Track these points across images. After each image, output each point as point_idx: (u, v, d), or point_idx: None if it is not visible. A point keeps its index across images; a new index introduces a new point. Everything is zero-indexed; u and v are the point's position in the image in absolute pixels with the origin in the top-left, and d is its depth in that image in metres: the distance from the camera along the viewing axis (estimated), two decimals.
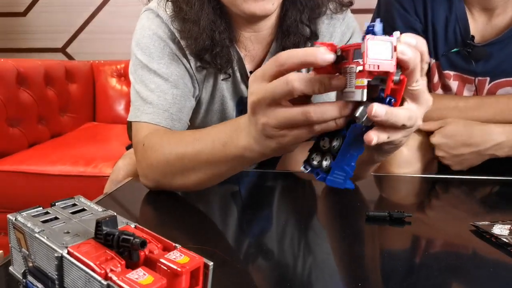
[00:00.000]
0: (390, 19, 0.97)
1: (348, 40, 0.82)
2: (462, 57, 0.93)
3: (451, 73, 0.96)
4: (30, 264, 0.38)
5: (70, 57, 2.58)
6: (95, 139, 1.90)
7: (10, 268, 0.40)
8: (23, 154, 1.64)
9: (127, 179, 0.84)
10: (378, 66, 0.37)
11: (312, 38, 0.79)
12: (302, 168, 0.47)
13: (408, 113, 0.42)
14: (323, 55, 0.40)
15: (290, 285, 0.45)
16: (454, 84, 0.96)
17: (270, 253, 0.52)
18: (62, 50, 2.58)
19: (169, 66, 0.76)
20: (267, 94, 0.44)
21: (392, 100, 0.40)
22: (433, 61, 0.98)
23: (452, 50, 0.93)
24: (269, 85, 0.44)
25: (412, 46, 0.39)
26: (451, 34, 0.93)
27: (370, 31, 0.39)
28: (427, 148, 0.95)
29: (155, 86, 0.75)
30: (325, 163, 0.45)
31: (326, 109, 0.41)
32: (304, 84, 0.41)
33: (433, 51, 0.96)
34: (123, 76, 2.35)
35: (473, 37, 0.91)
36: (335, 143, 0.44)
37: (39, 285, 0.37)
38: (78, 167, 1.52)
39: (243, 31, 0.79)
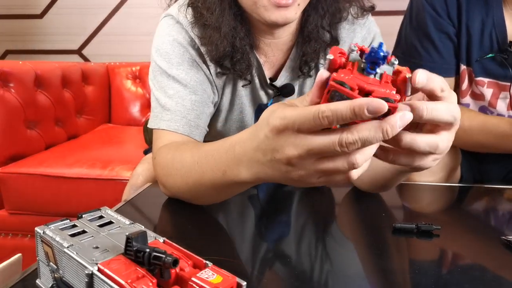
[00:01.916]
0: (421, 22, 0.95)
1: (369, 45, 0.80)
2: (497, 63, 0.90)
3: (485, 80, 0.93)
4: (58, 278, 0.37)
5: (86, 58, 2.60)
6: (111, 141, 1.91)
7: (37, 281, 0.40)
8: (41, 156, 1.65)
9: (146, 185, 0.84)
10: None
11: (332, 44, 0.78)
12: None
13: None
14: (375, 108, 0.35)
15: None
16: (488, 92, 0.93)
17: (292, 266, 0.51)
18: (78, 52, 2.60)
19: (188, 72, 0.75)
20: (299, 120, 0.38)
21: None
22: (464, 66, 0.95)
23: (487, 56, 0.90)
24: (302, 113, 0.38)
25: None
26: (486, 39, 0.90)
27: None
28: (451, 157, 0.93)
29: (174, 92, 0.74)
30: None
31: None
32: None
33: (466, 57, 0.94)
34: (139, 78, 2.36)
35: (510, 42, 0.88)
36: None
37: None
38: (95, 170, 1.52)
39: (263, 38, 0.78)
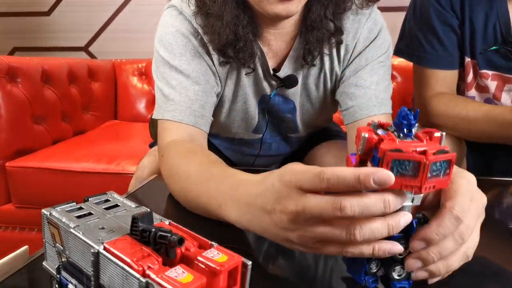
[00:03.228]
0: (425, 14, 0.94)
1: (375, 37, 0.80)
2: (501, 56, 0.90)
3: (489, 72, 0.93)
4: (64, 260, 0.37)
5: (92, 56, 2.61)
6: (117, 137, 1.92)
7: (44, 263, 0.40)
8: (48, 151, 1.67)
9: (151, 177, 0.84)
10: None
11: (336, 34, 0.77)
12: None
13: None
14: (381, 179, 0.34)
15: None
16: (492, 84, 0.93)
17: (297, 255, 0.51)
18: (85, 49, 2.62)
19: (190, 63, 0.75)
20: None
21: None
22: (468, 59, 0.95)
23: (491, 48, 0.90)
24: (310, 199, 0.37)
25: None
26: (490, 32, 0.90)
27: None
28: (455, 149, 0.92)
29: (177, 83, 0.75)
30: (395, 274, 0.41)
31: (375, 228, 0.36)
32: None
33: (469, 49, 0.93)
34: (145, 74, 2.37)
35: None
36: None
37: (73, 280, 0.36)
38: (102, 164, 1.53)
39: (266, 28, 0.78)
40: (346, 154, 0.43)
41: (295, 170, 0.38)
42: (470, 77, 0.95)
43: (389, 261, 0.40)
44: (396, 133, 0.37)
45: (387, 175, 0.34)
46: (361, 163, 0.39)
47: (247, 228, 0.46)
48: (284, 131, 0.94)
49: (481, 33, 0.90)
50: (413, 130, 0.37)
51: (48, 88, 1.81)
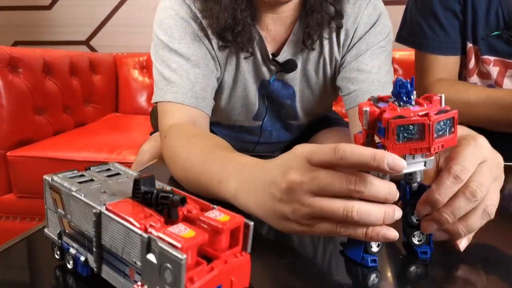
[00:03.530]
0: (427, 1, 0.94)
1: (375, 22, 0.79)
2: (504, 41, 0.89)
3: (491, 58, 0.92)
4: (66, 225, 0.37)
5: (93, 49, 2.61)
6: (118, 129, 1.92)
7: (45, 230, 0.40)
8: (49, 141, 1.67)
9: (152, 162, 0.84)
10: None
11: (336, 18, 0.77)
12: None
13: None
14: (395, 163, 0.35)
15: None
16: (494, 70, 0.92)
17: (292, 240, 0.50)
18: (86, 43, 2.62)
19: (190, 46, 0.75)
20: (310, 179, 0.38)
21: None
22: (470, 45, 0.94)
23: (493, 34, 0.89)
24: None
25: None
26: (492, 17, 0.89)
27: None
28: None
29: (177, 66, 0.74)
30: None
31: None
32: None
33: (471, 35, 0.93)
34: (145, 68, 2.37)
35: None
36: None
37: (74, 245, 0.36)
38: (102, 154, 1.54)
39: (264, 12, 0.78)
40: (348, 140, 0.44)
41: (308, 145, 0.39)
42: (472, 63, 0.95)
43: (407, 227, 0.41)
44: (396, 103, 0.38)
45: (400, 161, 0.35)
46: (368, 137, 0.39)
47: (243, 205, 0.46)
48: (284, 118, 0.94)
49: (483, 18, 0.90)
50: (412, 97, 0.37)
51: (50, 79, 1.81)
